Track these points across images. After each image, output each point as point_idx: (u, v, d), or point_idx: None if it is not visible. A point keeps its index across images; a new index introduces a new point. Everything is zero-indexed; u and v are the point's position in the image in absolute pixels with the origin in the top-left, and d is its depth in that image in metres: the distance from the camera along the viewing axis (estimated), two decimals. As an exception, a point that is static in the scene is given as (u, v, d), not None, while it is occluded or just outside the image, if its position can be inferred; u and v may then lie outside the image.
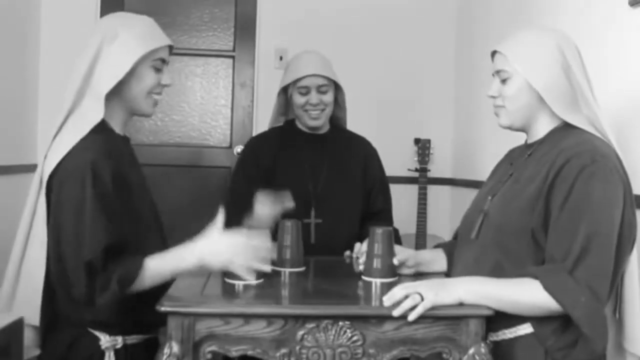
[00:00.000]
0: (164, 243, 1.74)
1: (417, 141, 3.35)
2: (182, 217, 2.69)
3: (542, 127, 1.59)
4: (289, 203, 1.93)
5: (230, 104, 3.46)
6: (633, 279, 1.53)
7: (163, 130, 3.43)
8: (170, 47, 1.72)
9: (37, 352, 1.60)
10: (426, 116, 3.53)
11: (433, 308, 1.41)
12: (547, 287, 1.39)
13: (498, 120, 1.63)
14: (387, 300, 1.41)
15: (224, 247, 1.53)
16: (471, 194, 1.82)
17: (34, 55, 3.19)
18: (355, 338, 1.41)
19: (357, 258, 2.05)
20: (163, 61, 1.69)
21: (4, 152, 2.81)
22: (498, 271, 1.49)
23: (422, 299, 1.40)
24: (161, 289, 1.51)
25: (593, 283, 1.38)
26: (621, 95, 1.94)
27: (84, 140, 1.56)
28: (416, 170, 3.29)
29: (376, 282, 1.66)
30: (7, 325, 1.41)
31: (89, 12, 3.28)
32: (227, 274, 1.61)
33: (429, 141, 3.32)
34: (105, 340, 1.58)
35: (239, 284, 1.58)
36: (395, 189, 2.46)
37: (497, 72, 1.60)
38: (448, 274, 1.75)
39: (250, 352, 1.40)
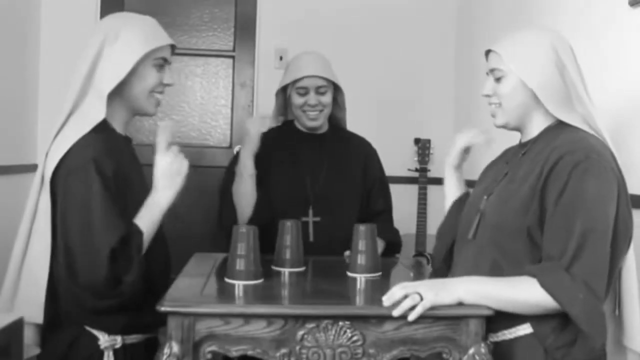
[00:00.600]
0: (163, 242, 1.75)
1: (417, 141, 3.35)
2: (182, 217, 2.69)
3: (536, 126, 1.59)
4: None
5: (230, 104, 3.45)
6: (631, 276, 1.53)
7: (163, 130, 3.42)
8: (173, 47, 1.72)
9: (37, 351, 1.60)
10: (426, 116, 3.53)
11: (433, 308, 1.41)
12: (544, 285, 1.39)
13: (493, 120, 1.64)
14: (387, 300, 1.41)
15: (161, 165, 1.64)
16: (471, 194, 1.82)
17: (34, 55, 3.19)
18: (355, 338, 1.41)
19: None
20: (165, 60, 1.69)
21: (4, 152, 2.81)
22: (496, 271, 1.49)
23: (422, 299, 1.40)
24: (161, 289, 1.51)
25: (590, 280, 1.38)
26: (621, 95, 1.94)
27: (84, 138, 1.56)
28: (416, 170, 3.29)
29: (360, 277, 1.72)
30: (7, 325, 1.40)
31: (89, 12, 3.28)
32: (227, 273, 1.62)
33: (429, 141, 3.32)
34: (104, 339, 1.58)
35: (238, 283, 1.59)
36: (395, 189, 2.46)
37: (492, 70, 1.60)
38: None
39: (250, 352, 1.40)
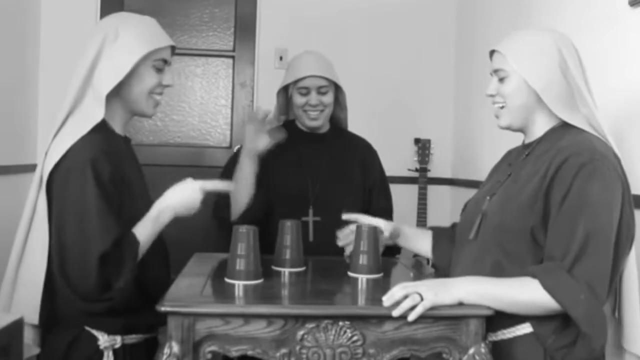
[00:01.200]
0: (161, 243, 1.74)
1: (417, 141, 3.35)
2: (182, 217, 2.69)
3: (540, 127, 1.59)
4: (280, 135, 2.14)
5: (230, 104, 3.45)
6: (632, 279, 1.53)
7: (163, 130, 3.43)
8: (173, 48, 1.72)
9: (36, 350, 1.60)
10: (426, 116, 3.53)
11: (433, 308, 1.40)
12: (546, 286, 1.39)
13: (498, 121, 1.64)
14: (387, 300, 1.41)
15: (180, 193, 1.67)
16: (471, 194, 1.82)
17: (34, 55, 3.19)
18: (355, 338, 1.40)
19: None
20: (165, 61, 1.69)
21: (4, 152, 2.81)
22: (498, 271, 1.49)
23: (422, 299, 1.40)
24: (161, 289, 1.51)
25: (592, 281, 1.38)
26: (621, 95, 1.94)
27: (82, 139, 1.56)
28: (416, 170, 3.29)
29: (362, 278, 1.72)
30: (7, 325, 1.40)
31: (89, 12, 3.28)
32: (227, 273, 1.62)
33: (429, 141, 3.32)
34: (103, 340, 1.58)
35: (238, 283, 1.58)
36: (395, 189, 2.46)
37: (495, 71, 1.60)
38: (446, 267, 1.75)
39: (250, 352, 1.40)
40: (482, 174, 1.82)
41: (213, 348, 1.39)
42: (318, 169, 2.26)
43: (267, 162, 2.24)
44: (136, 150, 1.82)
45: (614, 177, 1.44)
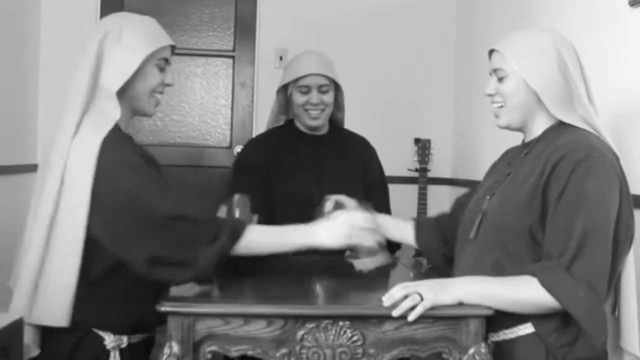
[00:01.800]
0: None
1: (417, 141, 3.35)
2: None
3: (539, 126, 1.59)
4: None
5: (230, 104, 3.46)
6: (630, 279, 1.53)
7: (163, 130, 3.43)
8: (173, 48, 1.73)
9: (36, 352, 1.59)
10: (426, 116, 3.53)
11: (433, 308, 1.40)
12: (545, 284, 1.39)
13: (497, 121, 1.64)
14: (387, 300, 1.41)
15: (338, 229, 1.60)
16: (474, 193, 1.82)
17: (34, 55, 3.19)
18: (355, 338, 1.40)
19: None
20: (166, 61, 1.70)
21: (4, 152, 2.81)
22: (498, 270, 1.49)
23: (422, 299, 1.40)
24: (162, 289, 1.51)
25: (591, 278, 1.38)
26: (621, 95, 1.94)
27: (110, 137, 1.55)
28: (416, 170, 3.29)
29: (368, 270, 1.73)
30: (7, 325, 1.40)
31: (89, 12, 3.28)
32: (351, 255, 1.67)
33: (429, 141, 3.32)
34: (110, 340, 1.58)
35: (364, 267, 1.66)
36: (395, 189, 2.46)
37: (495, 70, 1.60)
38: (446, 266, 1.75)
39: (250, 352, 1.40)
40: (482, 174, 1.82)
41: (213, 348, 1.39)
42: (321, 171, 2.26)
43: (269, 165, 2.24)
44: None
45: (611, 174, 1.44)
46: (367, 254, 1.70)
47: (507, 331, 1.49)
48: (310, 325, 1.40)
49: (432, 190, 3.34)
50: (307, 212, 2.18)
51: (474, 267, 1.55)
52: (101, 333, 1.58)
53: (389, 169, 2.46)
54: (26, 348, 1.55)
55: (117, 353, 1.58)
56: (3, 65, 2.79)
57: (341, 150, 2.33)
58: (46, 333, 1.59)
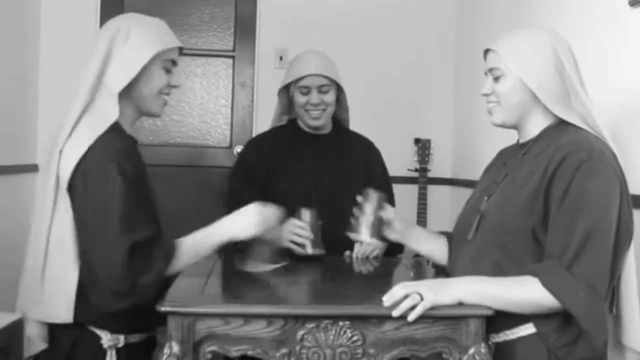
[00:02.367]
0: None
1: (417, 141, 3.35)
2: (182, 218, 2.69)
3: (535, 126, 1.59)
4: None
5: (230, 104, 3.46)
6: (630, 275, 1.53)
7: (163, 130, 3.43)
8: (180, 49, 1.74)
9: (44, 346, 1.60)
10: (426, 116, 3.53)
11: (433, 308, 1.40)
12: (545, 284, 1.39)
13: (491, 118, 1.64)
14: (387, 300, 1.41)
15: (250, 217, 1.64)
16: (471, 194, 1.82)
17: (34, 56, 3.19)
18: (355, 338, 1.40)
19: (357, 258, 2.05)
20: (173, 62, 1.71)
21: (4, 152, 2.81)
22: (498, 271, 1.49)
23: (422, 299, 1.40)
24: (162, 288, 1.51)
25: (591, 278, 1.38)
26: (621, 95, 1.94)
27: (102, 138, 1.56)
28: (416, 170, 3.29)
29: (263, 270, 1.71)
30: (7, 325, 1.41)
31: (89, 12, 3.28)
32: (245, 264, 1.64)
33: (429, 141, 3.32)
34: (107, 339, 1.58)
35: (258, 271, 1.61)
36: (395, 189, 2.45)
37: (490, 70, 1.60)
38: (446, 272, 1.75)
39: (250, 352, 1.40)
40: (481, 174, 1.82)
41: (213, 348, 1.39)
42: (321, 172, 2.25)
43: (270, 164, 2.24)
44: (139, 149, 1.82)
45: (612, 175, 1.44)
46: (266, 255, 1.71)
47: (508, 332, 1.49)
48: (310, 325, 1.40)
49: (432, 190, 3.34)
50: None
51: (473, 267, 1.54)
52: (98, 332, 1.58)
53: (389, 169, 2.46)
54: (31, 343, 1.57)
55: (114, 352, 1.58)
56: (3, 65, 2.79)
57: (342, 151, 2.32)
58: (52, 328, 1.60)
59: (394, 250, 2.15)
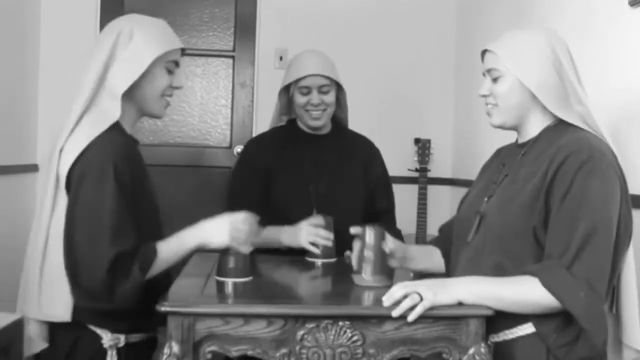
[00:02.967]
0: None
1: (417, 141, 3.35)
2: (182, 218, 2.69)
3: (534, 126, 1.59)
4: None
5: (230, 104, 3.46)
6: (630, 274, 1.53)
7: (163, 130, 3.43)
8: (183, 50, 1.74)
9: (44, 345, 1.60)
10: (426, 116, 3.53)
11: (433, 308, 1.40)
12: (545, 284, 1.39)
13: (490, 120, 1.63)
14: (386, 300, 1.41)
15: (222, 227, 1.62)
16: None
17: (34, 56, 3.19)
18: (355, 338, 1.40)
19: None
20: (176, 63, 1.71)
21: (4, 152, 2.81)
22: (498, 272, 1.49)
23: (421, 299, 1.40)
24: (162, 288, 1.51)
25: (591, 278, 1.38)
26: (621, 95, 1.94)
27: (101, 138, 1.56)
28: (416, 170, 3.29)
29: (229, 282, 1.61)
30: (7, 325, 1.40)
31: (89, 12, 3.27)
32: (218, 272, 1.62)
33: (429, 141, 3.32)
34: (107, 338, 1.58)
35: (228, 281, 1.59)
36: (395, 189, 2.46)
37: (488, 71, 1.60)
38: (446, 274, 1.75)
39: (250, 352, 1.40)
40: (482, 174, 1.82)
41: (213, 348, 1.39)
42: (321, 173, 2.25)
43: (270, 165, 2.24)
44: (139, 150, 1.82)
45: (613, 175, 1.44)
46: (233, 267, 1.66)
47: (507, 331, 1.49)
48: (310, 325, 1.40)
49: (432, 190, 3.34)
50: (305, 212, 2.18)
51: (473, 268, 1.54)
52: (99, 331, 1.58)
53: (389, 169, 2.46)
54: (32, 342, 1.57)
55: (114, 352, 1.58)
56: (3, 65, 2.79)
57: (342, 150, 2.32)
58: (53, 327, 1.60)
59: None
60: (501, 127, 1.62)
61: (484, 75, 1.62)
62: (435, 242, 1.86)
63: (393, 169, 2.57)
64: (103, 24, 1.76)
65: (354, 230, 1.69)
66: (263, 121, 2.93)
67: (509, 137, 1.73)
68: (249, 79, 3.44)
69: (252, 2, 3.43)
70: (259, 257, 2.06)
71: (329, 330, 1.40)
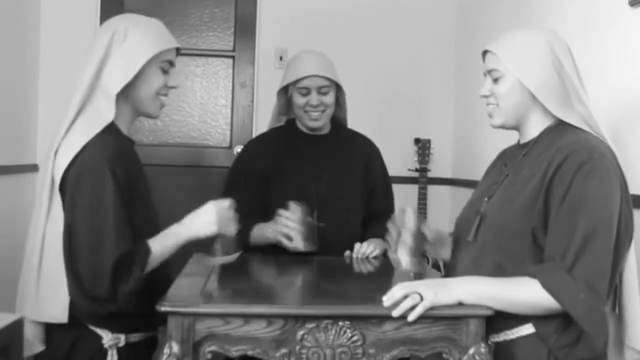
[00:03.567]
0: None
1: (417, 141, 3.35)
2: (182, 217, 2.69)
3: (535, 126, 1.59)
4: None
5: (230, 104, 3.46)
6: (632, 275, 1.53)
7: (163, 130, 3.43)
8: (178, 50, 1.73)
9: (40, 348, 1.60)
10: (426, 116, 3.53)
11: (433, 308, 1.40)
12: (545, 286, 1.39)
13: (490, 120, 1.63)
14: (387, 300, 1.41)
15: (210, 218, 1.64)
16: (471, 194, 1.82)
17: (34, 56, 3.19)
18: (355, 338, 1.40)
19: (357, 258, 2.05)
20: (170, 63, 1.70)
21: (4, 152, 2.81)
22: (499, 272, 1.49)
23: (422, 299, 1.40)
24: (162, 288, 1.51)
25: (592, 280, 1.38)
26: (621, 95, 1.94)
27: (96, 139, 1.56)
28: (416, 170, 3.29)
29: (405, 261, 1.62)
30: (7, 326, 1.40)
31: (89, 12, 3.28)
32: (210, 251, 1.64)
33: (429, 141, 3.32)
34: (107, 338, 1.58)
35: (216, 260, 1.64)
36: (395, 189, 2.46)
37: (489, 71, 1.60)
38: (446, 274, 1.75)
39: (250, 352, 1.40)
40: (482, 174, 1.82)
41: (213, 348, 1.39)
42: (321, 173, 2.25)
43: (268, 167, 2.24)
44: (136, 150, 1.82)
45: (612, 175, 1.44)
46: (226, 248, 1.70)
47: (508, 332, 1.49)
48: (310, 325, 1.40)
49: (432, 190, 3.34)
50: (309, 214, 2.18)
51: (473, 268, 1.54)
52: (99, 331, 1.58)
53: (389, 169, 2.46)
54: (29, 345, 1.56)
55: (115, 351, 1.58)
56: (3, 65, 2.79)
57: (342, 150, 2.32)
58: (46, 330, 1.60)
59: None
60: (502, 127, 1.63)
61: (484, 75, 1.62)
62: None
63: (393, 169, 2.57)
64: (103, 24, 1.77)
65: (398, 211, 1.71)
66: (263, 121, 2.93)
67: (509, 137, 1.73)
68: (249, 79, 3.44)
69: (252, 2, 3.43)
70: (258, 257, 2.06)
71: (329, 330, 1.40)
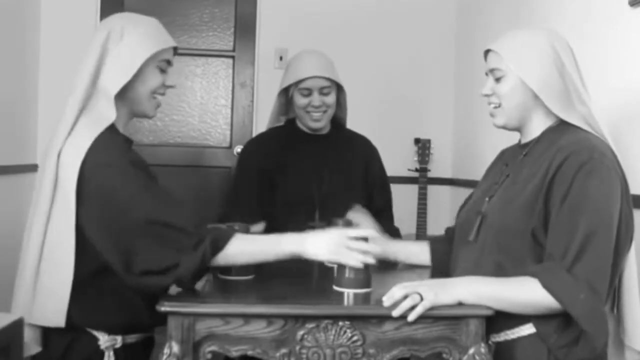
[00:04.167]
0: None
1: (417, 141, 3.35)
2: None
3: (537, 126, 1.59)
4: None
5: (230, 104, 3.45)
6: (631, 275, 1.53)
7: (163, 130, 3.43)
8: (175, 49, 1.73)
9: (37, 349, 1.59)
10: (426, 116, 3.53)
11: (433, 308, 1.40)
12: (546, 285, 1.39)
13: (493, 120, 1.63)
14: (387, 300, 1.41)
15: (323, 241, 1.52)
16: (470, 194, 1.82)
17: (34, 56, 3.19)
18: (355, 338, 1.40)
19: None
20: (168, 62, 1.70)
21: (4, 152, 2.81)
22: (500, 272, 1.49)
23: (422, 299, 1.40)
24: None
25: (592, 280, 1.38)
26: (621, 95, 1.94)
27: (102, 138, 1.54)
28: (416, 170, 3.29)
29: (349, 293, 1.51)
30: (7, 326, 1.40)
31: (89, 12, 3.28)
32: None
33: (429, 141, 3.32)
34: (104, 340, 1.57)
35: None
36: (395, 189, 2.46)
37: (491, 70, 1.60)
38: (445, 273, 1.75)
39: (250, 352, 1.40)
40: (482, 174, 1.82)
41: (213, 348, 1.40)
42: (322, 173, 2.25)
43: (270, 166, 2.24)
44: (136, 150, 1.81)
45: (613, 175, 1.44)
46: (352, 277, 1.52)
47: (508, 332, 1.49)
48: (310, 325, 1.40)
49: (432, 190, 3.34)
50: (308, 212, 2.18)
51: (474, 268, 1.54)
52: (95, 333, 1.57)
53: (389, 169, 2.46)
54: (26, 346, 1.56)
55: (112, 353, 1.57)
56: (3, 65, 2.79)
57: (342, 150, 2.32)
58: (47, 330, 1.59)
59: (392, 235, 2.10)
60: (504, 127, 1.63)
61: (486, 74, 1.63)
62: (434, 238, 1.89)
63: (393, 169, 2.57)
64: (103, 24, 1.78)
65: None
66: (263, 121, 2.93)
67: (509, 137, 1.73)
68: (249, 79, 3.44)
69: (252, 2, 3.43)
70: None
71: (329, 330, 1.40)
